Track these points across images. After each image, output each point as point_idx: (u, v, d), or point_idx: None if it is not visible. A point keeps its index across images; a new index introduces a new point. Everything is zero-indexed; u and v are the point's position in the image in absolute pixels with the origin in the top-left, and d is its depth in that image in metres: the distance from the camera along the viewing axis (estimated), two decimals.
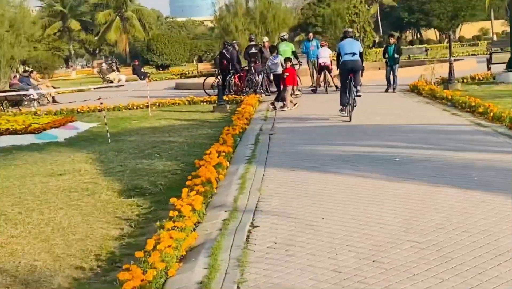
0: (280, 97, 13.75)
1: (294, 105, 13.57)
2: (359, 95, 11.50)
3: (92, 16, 54.76)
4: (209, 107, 15.80)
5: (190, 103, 17.31)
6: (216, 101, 15.27)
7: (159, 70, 50.10)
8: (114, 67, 29.19)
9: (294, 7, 77.15)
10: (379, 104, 13.35)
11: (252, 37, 18.65)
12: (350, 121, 10.74)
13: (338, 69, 12.01)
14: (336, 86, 17.74)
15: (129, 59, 49.62)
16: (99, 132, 12.48)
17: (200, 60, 44.60)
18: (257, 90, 17.52)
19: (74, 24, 54.46)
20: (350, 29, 13.76)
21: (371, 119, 10.91)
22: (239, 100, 16.26)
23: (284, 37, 17.96)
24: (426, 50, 34.32)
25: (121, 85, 28.66)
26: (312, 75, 19.32)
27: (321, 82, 18.00)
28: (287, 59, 14.39)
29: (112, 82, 28.56)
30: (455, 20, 64.34)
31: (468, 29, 72.34)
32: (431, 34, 78.08)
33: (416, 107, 12.43)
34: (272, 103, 13.75)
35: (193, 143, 10.11)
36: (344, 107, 11.33)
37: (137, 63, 32.86)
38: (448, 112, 11.06)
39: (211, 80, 19.96)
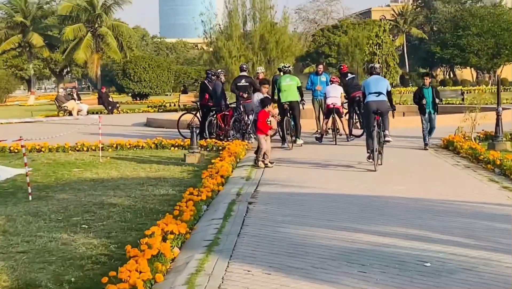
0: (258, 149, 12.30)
1: (266, 164, 11.90)
2: (388, 141, 11.74)
3: (59, 31, 53.94)
4: (179, 154, 14.38)
5: (157, 147, 15.91)
6: (189, 147, 13.85)
7: (136, 99, 49.07)
8: (74, 95, 27.94)
9: (305, 32, 76.99)
10: (404, 166, 11.92)
11: (244, 66, 17.31)
12: (375, 170, 10.89)
13: (363, 111, 12.60)
14: (349, 135, 16.40)
15: (101, 84, 48.56)
16: (23, 184, 10.98)
17: (184, 91, 43.49)
18: (245, 134, 16.13)
19: (37, 39, 53.55)
20: (377, 65, 13.24)
21: (393, 188, 9.47)
22: (220, 148, 14.86)
23: (287, 68, 16.28)
24: (463, 93, 33.18)
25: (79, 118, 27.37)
26: (317, 119, 17.97)
27: (329, 128, 16.63)
28: (266, 100, 12.71)
29: (70, 113, 27.26)
30: (496, 58, 63.84)
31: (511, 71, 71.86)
32: (466, 73, 77.64)
33: (453, 173, 10.99)
34: (256, 158, 12.23)
35: (141, 210, 8.62)
36: (372, 154, 11.38)
37: (103, 90, 31.71)
38: (497, 184, 9.60)
39: (188, 117, 18.63)
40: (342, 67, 17.60)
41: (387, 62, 37.00)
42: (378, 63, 39.16)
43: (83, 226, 7.85)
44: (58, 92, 29.41)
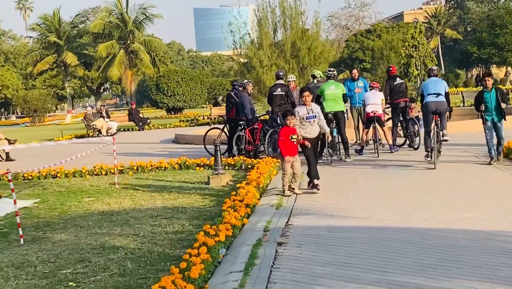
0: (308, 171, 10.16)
1: (293, 190, 9.75)
2: (446, 140, 11.73)
3: (93, 49, 52.98)
4: (204, 175, 12.58)
5: (180, 168, 14.15)
6: (213, 168, 12.03)
7: (171, 114, 47.67)
8: (104, 113, 26.47)
9: (337, 39, 74.76)
10: (465, 183, 9.89)
11: (281, 73, 15.35)
12: (434, 168, 11.15)
13: (421, 112, 12.65)
14: (392, 146, 14.38)
15: (137, 100, 47.31)
16: (22, 220, 9.29)
17: (216, 103, 41.80)
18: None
19: (71, 58, 52.68)
20: (435, 67, 13.03)
21: (457, 216, 7.47)
22: (250, 166, 13.02)
23: (332, 73, 14.06)
24: None
25: (109, 135, 25.90)
26: (356, 129, 16.02)
27: (370, 139, 14.68)
28: (286, 112, 10.15)
29: (99, 131, 25.80)
30: None
31: None
32: (502, 72, 74.27)
33: None
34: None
35: (146, 256, 6.82)
36: (430, 153, 11.62)
37: (134, 106, 30.21)
38: None
39: (216, 133, 16.84)
40: (391, 68, 15.45)
41: (425, 64, 34.65)
42: (415, 66, 36.90)
43: (70, 283, 6.08)
44: (86, 110, 27.96)
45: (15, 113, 76.24)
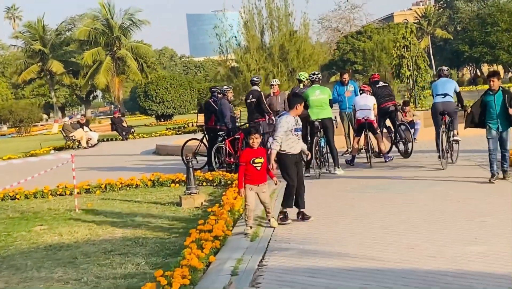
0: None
1: (269, 222, 7.81)
2: (457, 140, 11.54)
3: (80, 56, 51.33)
4: (178, 194, 11.02)
5: (154, 185, 12.60)
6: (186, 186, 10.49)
7: (160, 121, 46.07)
8: (83, 123, 24.85)
9: (329, 41, 73.37)
10: (472, 205, 8.39)
11: (255, 79, 13.83)
12: (443, 169, 11.00)
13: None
14: (386, 155, 12.91)
15: (125, 107, 45.68)
16: None
17: (201, 110, 40.07)
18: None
19: (56, 66, 50.98)
20: (445, 68, 12.27)
21: (466, 250, 5.99)
22: (229, 182, 11.51)
23: (316, 76, 12.49)
24: None
25: (90, 146, 24.37)
26: (347, 136, 14.54)
27: (362, 148, 13.21)
28: (251, 130, 8.40)
29: (79, 142, 24.21)
30: None
31: None
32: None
33: None
34: (283, 213, 7.99)
35: None
36: (441, 154, 11.18)
37: (116, 115, 28.58)
38: None
39: (195, 144, 15.31)
40: (373, 75, 14.35)
41: (417, 64, 33.11)
42: (407, 67, 35.44)
43: None
44: (64, 121, 26.36)
45: (7, 124, 74.56)
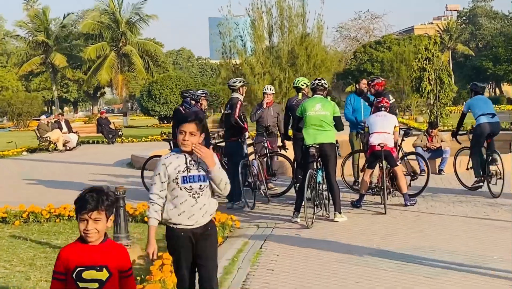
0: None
1: None
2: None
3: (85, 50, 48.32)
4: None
5: None
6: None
7: (163, 122, 42.80)
8: (62, 123, 21.62)
9: (347, 51, 70.01)
10: None
11: (232, 83, 10.28)
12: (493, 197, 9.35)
13: (472, 135, 10.56)
14: (407, 197, 9.43)
15: (131, 106, 42.53)
16: None
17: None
18: (241, 193, 9.43)
19: (59, 59, 47.95)
20: (481, 84, 10.74)
21: None
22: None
23: (322, 84, 8.86)
24: None
25: (68, 149, 21.16)
26: (356, 165, 11.05)
27: (376, 185, 9.68)
28: None
29: (55, 144, 20.95)
30: None
31: None
32: (510, 90, 69.17)
33: None
34: None
35: None
36: (480, 179, 9.89)
37: (103, 115, 25.33)
38: None
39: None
40: (377, 83, 10.63)
41: (440, 79, 29.63)
42: (428, 81, 31.90)
43: None
44: (40, 119, 23.12)
45: (5, 117, 71.99)
